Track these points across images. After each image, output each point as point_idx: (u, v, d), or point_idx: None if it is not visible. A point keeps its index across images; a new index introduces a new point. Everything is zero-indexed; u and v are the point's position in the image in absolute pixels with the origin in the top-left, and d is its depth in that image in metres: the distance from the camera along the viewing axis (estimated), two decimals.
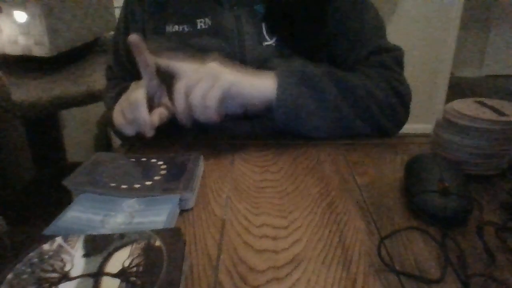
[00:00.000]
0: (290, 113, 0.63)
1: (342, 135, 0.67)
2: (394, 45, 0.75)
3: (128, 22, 0.76)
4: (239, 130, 0.73)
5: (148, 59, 0.61)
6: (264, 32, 0.71)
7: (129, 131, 0.62)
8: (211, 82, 0.58)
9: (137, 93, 0.60)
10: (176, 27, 0.72)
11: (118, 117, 0.63)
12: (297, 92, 0.63)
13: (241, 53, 0.70)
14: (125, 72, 0.79)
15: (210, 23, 0.71)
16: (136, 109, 0.59)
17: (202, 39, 0.71)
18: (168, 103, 0.64)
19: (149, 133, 0.60)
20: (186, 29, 0.71)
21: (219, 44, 0.70)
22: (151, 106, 0.62)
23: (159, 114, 0.62)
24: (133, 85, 0.64)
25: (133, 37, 0.59)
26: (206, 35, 0.71)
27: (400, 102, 0.70)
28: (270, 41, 0.71)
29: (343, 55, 0.73)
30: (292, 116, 0.64)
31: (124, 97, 0.64)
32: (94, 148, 1.84)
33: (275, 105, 0.62)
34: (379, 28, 0.74)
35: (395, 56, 0.73)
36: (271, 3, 0.70)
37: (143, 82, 0.62)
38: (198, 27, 0.71)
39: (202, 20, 0.71)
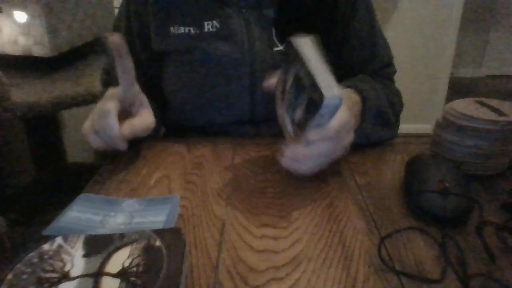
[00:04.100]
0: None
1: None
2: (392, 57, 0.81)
3: (130, 21, 0.73)
4: (244, 133, 0.73)
5: (128, 63, 0.55)
6: (274, 37, 0.69)
7: (97, 143, 0.56)
8: (340, 152, 0.52)
9: (108, 102, 0.55)
10: (182, 29, 0.69)
11: (87, 128, 0.57)
12: (368, 129, 0.63)
13: (251, 58, 0.69)
14: None
15: (218, 26, 0.68)
16: (105, 119, 0.54)
17: (211, 43, 0.68)
18: (147, 114, 0.59)
19: (120, 146, 0.55)
20: (192, 31, 0.69)
21: (228, 48, 0.68)
22: (126, 116, 0.58)
23: (132, 126, 0.57)
24: (108, 92, 0.58)
25: (115, 38, 0.53)
26: (215, 38, 0.68)
27: (400, 112, 0.75)
28: (280, 47, 0.69)
29: (360, 66, 0.75)
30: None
31: (96, 106, 0.58)
32: (94, 148, 1.84)
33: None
34: (387, 42, 0.78)
35: (395, 69, 0.80)
36: (282, 8, 0.69)
37: (119, 89, 0.57)
38: (206, 29, 0.69)
39: (210, 22, 0.69)
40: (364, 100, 0.62)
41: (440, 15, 2.37)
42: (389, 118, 0.68)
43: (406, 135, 0.70)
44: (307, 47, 0.48)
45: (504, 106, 0.56)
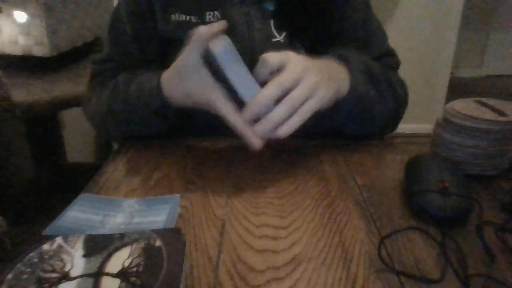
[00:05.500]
0: (353, 109, 0.63)
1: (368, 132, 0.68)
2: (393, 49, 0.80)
3: (137, 5, 0.72)
4: None
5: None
6: (273, 29, 0.71)
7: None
8: (308, 92, 0.51)
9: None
10: (183, 16, 0.71)
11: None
12: (363, 90, 0.63)
13: (251, 49, 0.70)
14: (131, 61, 0.75)
15: (219, 17, 0.70)
16: None
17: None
18: None
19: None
20: (193, 19, 0.70)
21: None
22: None
23: None
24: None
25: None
26: None
27: (397, 105, 0.73)
28: (278, 38, 0.71)
29: None
30: (354, 112, 0.63)
31: None
32: (94, 148, 1.84)
33: (342, 104, 0.60)
34: (385, 32, 0.78)
35: (397, 61, 0.79)
36: (282, 1, 0.70)
37: None
38: (207, 19, 0.70)
39: (211, 13, 0.70)
40: (347, 59, 0.62)
41: (440, 15, 2.37)
42: (378, 78, 0.66)
43: (406, 135, 0.70)
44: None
45: (504, 106, 0.56)
